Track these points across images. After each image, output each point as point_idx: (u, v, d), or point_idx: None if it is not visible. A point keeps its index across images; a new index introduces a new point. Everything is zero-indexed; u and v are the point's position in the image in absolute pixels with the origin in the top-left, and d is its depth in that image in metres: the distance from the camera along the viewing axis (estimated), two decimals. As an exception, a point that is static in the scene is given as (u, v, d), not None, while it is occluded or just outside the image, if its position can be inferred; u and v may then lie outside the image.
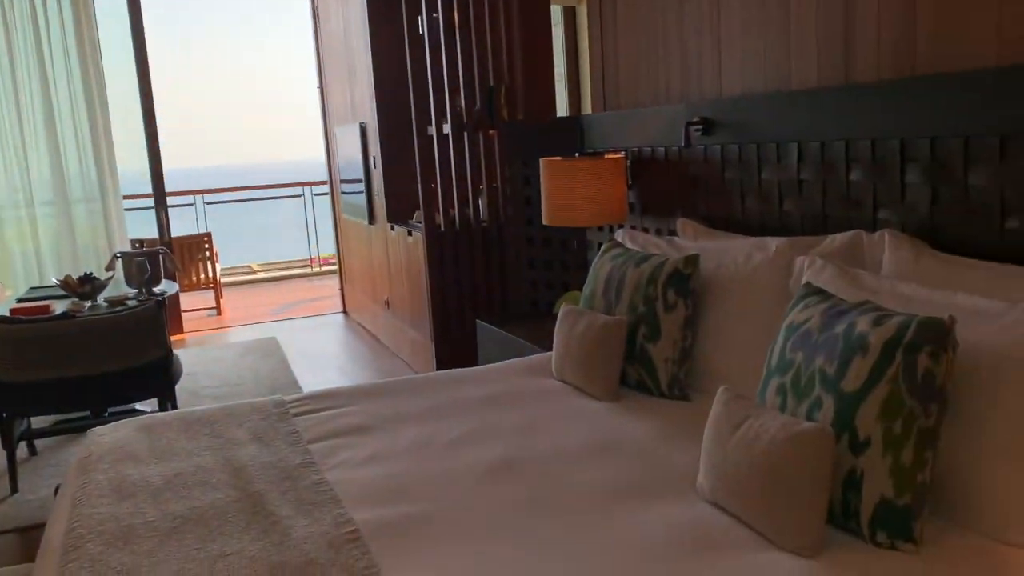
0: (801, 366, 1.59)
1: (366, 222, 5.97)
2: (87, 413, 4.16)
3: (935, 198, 2.04)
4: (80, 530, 1.61)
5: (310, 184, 9.68)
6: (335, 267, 9.80)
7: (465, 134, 4.66)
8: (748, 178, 2.67)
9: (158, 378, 3.78)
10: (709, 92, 2.96)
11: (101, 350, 3.55)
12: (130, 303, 4.41)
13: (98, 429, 2.26)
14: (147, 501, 1.76)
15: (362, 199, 6.02)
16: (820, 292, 1.74)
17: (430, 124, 4.65)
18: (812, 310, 1.67)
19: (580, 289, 3.82)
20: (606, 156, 3.28)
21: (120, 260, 4.63)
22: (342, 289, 7.31)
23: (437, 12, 4.58)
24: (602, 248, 2.68)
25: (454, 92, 4.61)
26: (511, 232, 3.99)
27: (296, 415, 2.30)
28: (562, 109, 5.89)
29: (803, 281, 1.98)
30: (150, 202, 7.56)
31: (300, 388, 4.97)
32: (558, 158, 3.30)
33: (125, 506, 1.73)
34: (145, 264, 4.49)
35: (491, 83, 4.67)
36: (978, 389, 1.46)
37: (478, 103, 4.65)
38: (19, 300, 4.76)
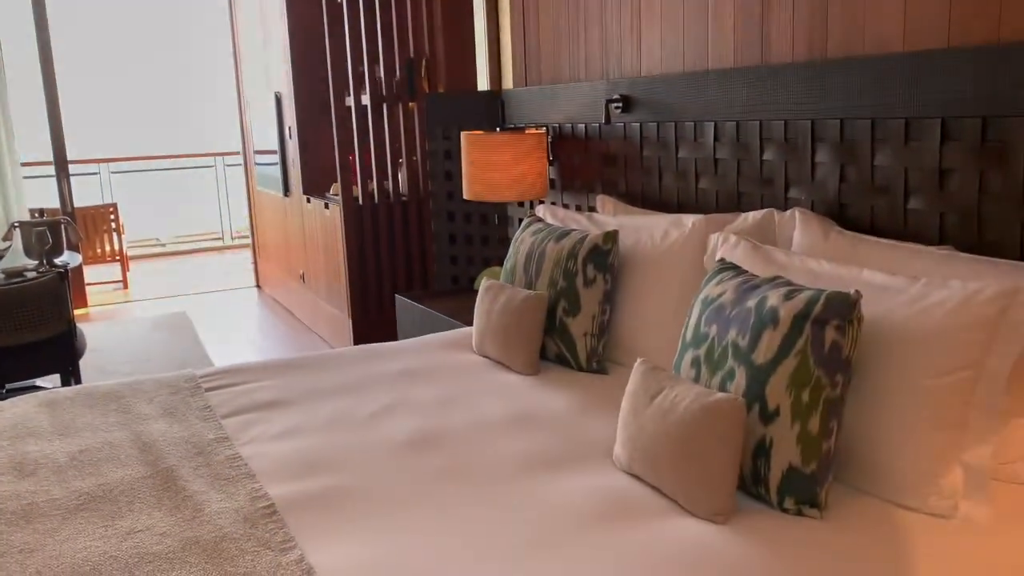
0: (715, 339, 1.63)
1: (281, 194, 5.83)
2: (-18, 389, 3.96)
3: (843, 178, 2.12)
4: (-23, 509, 1.54)
5: (222, 155, 9.39)
6: (248, 240, 9.56)
7: (384, 106, 4.59)
8: (666, 156, 2.71)
9: (60, 353, 3.62)
10: (629, 70, 2.99)
11: (9, 320, 3.38)
12: (29, 274, 4.21)
13: (-4, 405, 2.15)
14: (50, 478, 1.68)
15: (277, 171, 5.88)
16: (733, 268, 1.79)
17: (348, 95, 4.56)
18: (725, 285, 1.71)
19: (501, 264, 3.83)
20: (527, 131, 3.28)
21: (18, 230, 4.40)
22: (255, 263, 7.14)
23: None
24: (522, 223, 2.69)
25: (373, 63, 4.53)
26: (431, 206, 3.96)
27: (209, 390, 2.24)
28: (483, 84, 5.86)
29: (717, 257, 2.03)
30: (50, 170, 7.23)
31: (212, 364, 4.84)
32: (479, 132, 3.28)
33: (26, 484, 1.66)
34: (46, 234, 4.28)
35: (411, 55, 4.61)
36: (881, 360, 1.53)
37: (398, 74, 4.58)
38: (-94, 271, 4.48)
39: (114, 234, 7.21)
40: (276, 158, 5.85)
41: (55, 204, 7.26)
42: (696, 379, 1.65)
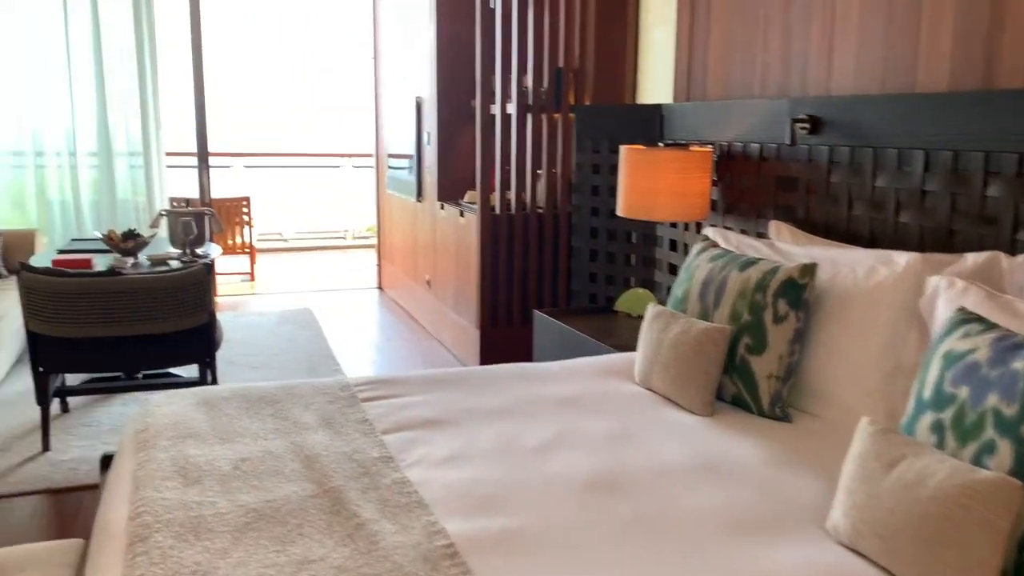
0: (966, 403, 1.40)
1: (413, 199, 5.80)
2: (119, 373, 4.03)
3: (1094, 222, 1.85)
4: (146, 517, 1.46)
5: (350, 156, 9.53)
6: (369, 241, 9.67)
7: (529, 116, 4.47)
8: (859, 184, 2.47)
9: (200, 343, 3.63)
10: (815, 88, 2.76)
11: (145, 311, 3.41)
12: (172, 263, 4.28)
13: (153, 398, 2.11)
14: (216, 488, 1.60)
15: (410, 175, 5.85)
16: (981, 320, 1.55)
17: (493, 103, 4.46)
18: (975, 340, 1.48)
19: (644, 286, 3.64)
20: (692, 148, 3.08)
21: (165, 218, 4.48)
22: (379, 264, 7.16)
23: (506, -13, 4.38)
24: (697, 247, 2.49)
25: (521, 72, 4.42)
26: (574, 221, 3.81)
27: (365, 401, 2.14)
28: (635, 96, 5.68)
29: (942, 304, 1.79)
30: (191, 160, 7.45)
31: (337, 362, 4.83)
32: (640, 147, 3.11)
33: (192, 492, 1.58)
34: (191, 224, 4.35)
35: (560, 65, 4.48)
36: None
37: (545, 84, 4.46)
38: (60, 251, 4.63)
39: (245, 227, 7.38)
40: (409, 162, 5.82)
41: (190, 193, 7.49)
42: (939, 447, 1.42)
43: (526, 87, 4.44)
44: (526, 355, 4.36)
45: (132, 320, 3.41)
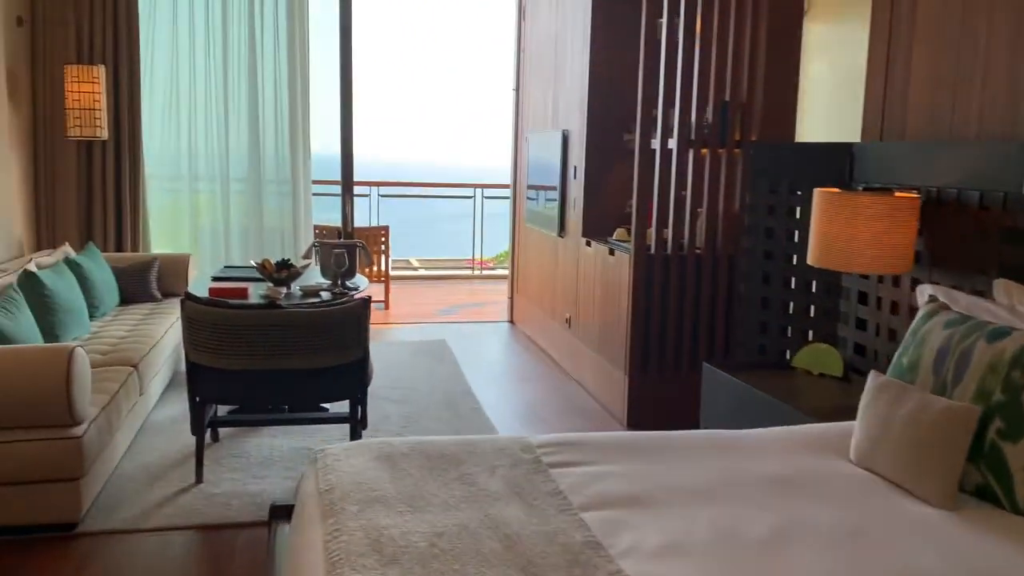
0: None
1: (554, 234, 5.65)
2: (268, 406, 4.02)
3: None
4: (349, 606, 1.31)
5: (482, 186, 9.52)
6: (499, 272, 9.62)
7: (691, 151, 4.24)
8: (1121, 242, 2.13)
9: (354, 379, 3.56)
10: (1055, 131, 2.43)
11: (305, 345, 3.35)
12: (324, 295, 4.26)
13: (331, 451, 1.99)
14: (416, 571, 1.44)
15: (551, 209, 5.71)
16: None
17: (653, 137, 4.26)
18: None
19: (824, 341, 3.33)
20: (896, 194, 2.78)
21: (318, 249, 4.48)
22: (511, 298, 7.04)
23: (679, 16, 4.19)
24: (924, 309, 2.20)
25: (685, 104, 4.20)
26: (744, 266, 3.55)
27: (552, 466, 1.96)
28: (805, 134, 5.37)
29: None
30: (331, 189, 7.59)
31: (476, 399, 4.69)
32: (836, 191, 2.83)
33: (392, 574, 1.42)
34: (344, 257, 4.32)
35: (726, 98, 4.24)
36: None
37: (709, 118, 4.23)
38: (214, 278, 4.70)
39: (383, 255, 7.42)
40: (552, 196, 5.68)
41: (331, 221, 7.61)
42: None
43: (690, 121, 4.22)
44: (681, 407, 4.14)
45: (291, 354, 3.36)
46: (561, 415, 4.54)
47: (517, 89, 6.75)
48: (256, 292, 4.24)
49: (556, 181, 5.58)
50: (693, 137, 4.23)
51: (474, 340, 6.38)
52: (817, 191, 2.85)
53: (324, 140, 6.67)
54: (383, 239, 7.42)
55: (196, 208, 6.30)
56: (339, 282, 4.39)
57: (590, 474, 1.92)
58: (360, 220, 8.93)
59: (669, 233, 4.29)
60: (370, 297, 3.51)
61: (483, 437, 2.13)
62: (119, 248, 5.90)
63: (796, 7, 4.24)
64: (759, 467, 2.01)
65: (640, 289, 4.26)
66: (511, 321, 7.04)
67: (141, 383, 3.94)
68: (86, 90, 5.40)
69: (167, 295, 5.30)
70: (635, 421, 4.33)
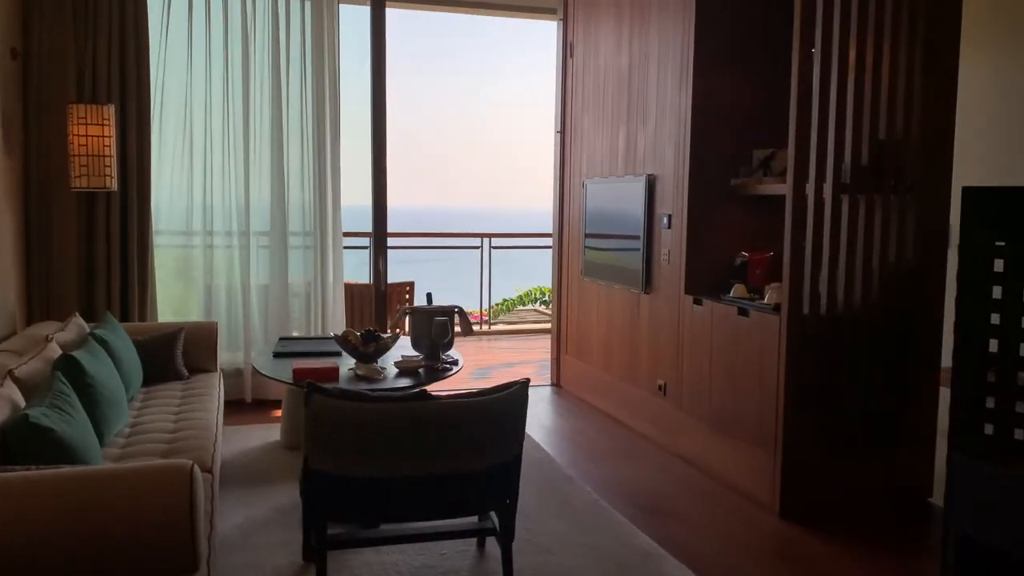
0: None
1: (637, 289, 5.05)
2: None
3: None
4: None
5: (488, 236, 8.89)
6: (515, 327, 8.96)
7: (845, 197, 3.73)
8: None
9: (508, 482, 2.86)
10: None
11: (466, 442, 2.65)
12: (422, 372, 3.55)
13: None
14: None
15: (628, 262, 5.13)
16: None
17: (804, 181, 3.72)
18: None
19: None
20: None
21: (410, 317, 3.77)
22: (557, 358, 6.38)
23: (815, 47, 3.70)
24: None
25: (838, 146, 3.69)
26: (958, 338, 3.01)
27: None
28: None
29: None
30: (355, 241, 6.88)
31: (580, 484, 3.99)
32: None
33: None
34: (447, 326, 3.63)
35: (881, 136, 3.75)
36: None
37: (865, 160, 3.73)
38: (276, 354, 3.93)
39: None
40: (630, 247, 5.11)
41: (358, 278, 6.89)
42: None
43: (845, 164, 3.71)
44: (855, 494, 3.61)
45: (441, 455, 2.65)
46: (692, 503, 3.89)
47: (562, 131, 6.19)
48: (344, 371, 3.51)
49: (637, 231, 5.00)
50: (848, 181, 3.71)
51: (532, 408, 5.69)
52: None
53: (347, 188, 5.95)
54: (408, 295, 6.69)
55: (211, 266, 5.49)
56: (433, 354, 3.69)
57: None
58: (361, 272, 8.20)
59: (823, 293, 3.73)
60: (528, 379, 2.82)
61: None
62: (124, 318, 5.05)
63: (952, 35, 3.79)
64: None
65: (796, 357, 3.68)
66: (557, 384, 6.37)
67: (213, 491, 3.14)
68: (95, 133, 4.59)
69: (194, 371, 4.48)
70: (791, 509, 3.72)
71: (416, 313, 3.70)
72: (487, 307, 9.05)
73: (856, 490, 3.86)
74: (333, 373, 3.38)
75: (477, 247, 8.87)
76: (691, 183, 4.49)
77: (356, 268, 7.51)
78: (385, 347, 3.59)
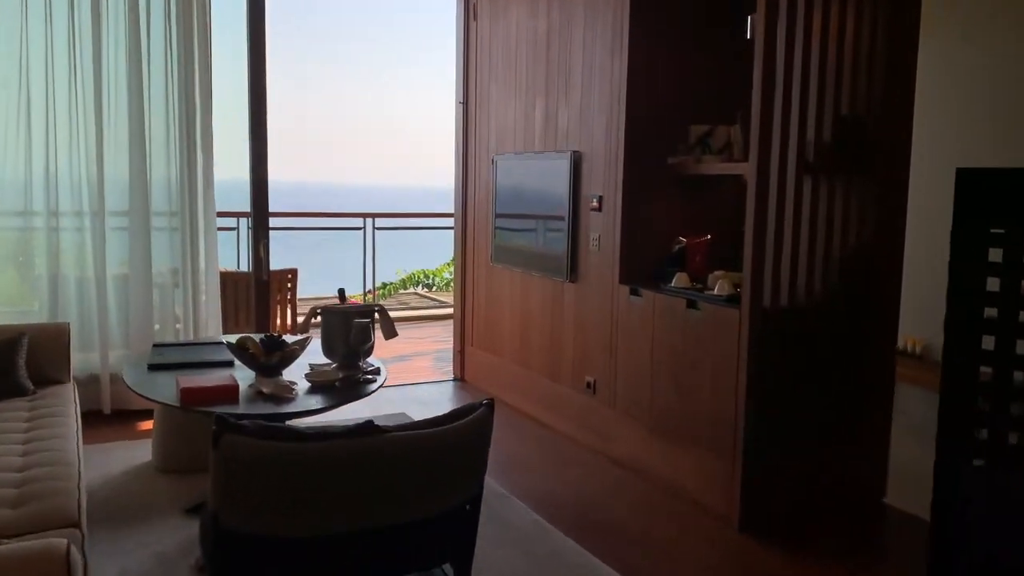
0: None
1: (559, 278, 4.60)
2: None
3: None
4: None
5: (371, 216, 8.22)
6: (393, 313, 8.34)
7: (807, 178, 3.40)
8: None
9: (466, 526, 2.34)
10: None
11: (424, 483, 2.11)
12: (338, 384, 2.95)
13: None
14: None
15: (550, 248, 4.68)
16: None
17: (769, 160, 3.36)
18: None
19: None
20: None
21: (322, 317, 3.15)
22: (461, 351, 5.86)
23: (779, 12, 3.34)
24: None
25: (802, 122, 3.36)
26: (948, 342, 2.73)
27: None
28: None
29: None
30: (225, 222, 6.09)
31: (517, 502, 3.53)
32: None
33: None
34: (369, 329, 3.04)
35: (842, 111, 3.45)
36: None
37: (826, 137, 3.41)
38: (152, 366, 3.21)
39: (288, 306, 5.96)
40: (552, 229, 4.65)
41: (230, 264, 6.12)
42: None
43: (806, 140, 3.38)
44: (820, 506, 3.35)
45: (390, 502, 2.10)
46: (643, 518, 3.49)
47: (466, 102, 5.63)
48: (243, 388, 2.87)
49: (561, 214, 4.54)
50: (811, 159, 3.39)
51: (434, 407, 5.15)
52: None
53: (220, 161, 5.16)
54: (290, 284, 5.96)
55: (56, 253, 4.60)
56: (359, 362, 3.10)
57: None
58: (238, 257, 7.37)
59: (784, 281, 3.41)
60: (492, 400, 2.30)
61: None
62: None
63: (913, 16, 3.53)
64: None
65: (758, 353, 3.34)
66: (461, 378, 5.86)
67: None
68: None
69: (41, 383, 3.67)
70: (752, 523, 3.39)
71: (328, 313, 3.08)
72: (370, 292, 8.39)
73: (813, 494, 3.59)
74: (231, 393, 2.72)
75: (360, 228, 8.18)
76: (627, 162, 4.07)
77: (225, 254, 6.67)
78: (292, 356, 2.96)
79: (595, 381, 4.36)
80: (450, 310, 8.48)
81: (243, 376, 3.00)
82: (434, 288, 10.14)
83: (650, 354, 3.92)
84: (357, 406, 3.21)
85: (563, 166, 4.50)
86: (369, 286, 8.39)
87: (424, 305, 9.30)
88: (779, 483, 3.47)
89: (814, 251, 3.46)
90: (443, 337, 7.35)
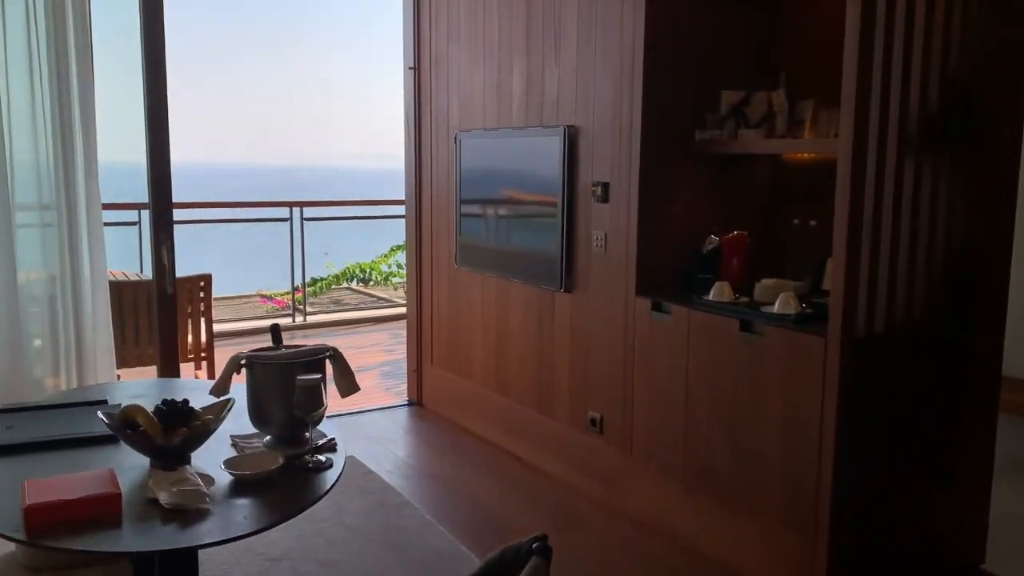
0: None
1: (551, 288, 3.67)
2: None
3: None
4: None
5: (299, 204, 7.12)
6: (326, 315, 7.28)
7: (908, 159, 2.55)
8: None
9: None
10: None
11: None
12: (272, 480, 1.96)
13: None
14: None
15: (536, 248, 3.74)
16: None
17: (866, 136, 2.48)
18: None
19: None
20: None
21: (249, 371, 2.12)
22: (418, 369, 4.88)
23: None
24: None
25: (904, 90, 2.50)
26: None
27: None
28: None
29: None
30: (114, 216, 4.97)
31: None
32: None
33: None
34: (319, 390, 2.04)
35: (949, 75, 2.60)
36: None
37: (932, 108, 2.56)
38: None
39: (201, 319, 4.85)
40: (540, 225, 3.72)
41: (129, 266, 5.04)
42: None
43: (909, 113, 2.52)
44: None
45: None
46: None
47: (417, 68, 4.62)
48: (129, 489, 1.84)
49: (551, 206, 3.61)
50: (914, 136, 2.53)
51: (389, 444, 4.20)
52: None
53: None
54: (202, 295, 4.85)
55: None
56: (306, 433, 2.11)
57: None
58: (128, 257, 6.20)
59: (881, 297, 2.55)
60: (549, 546, 1.36)
61: None
62: None
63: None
64: None
65: (851, 395, 2.48)
66: (417, 402, 4.88)
67: None
68: None
69: None
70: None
71: (259, 366, 2.07)
72: (298, 289, 7.31)
73: (903, 565, 2.77)
74: (111, 502, 1.70)
75: (286, 219, 7.07)
76: (644, 140, 3.15)
77: (115, 255, 5.48)
78: (203, 434, 1.95)
79: (601, 418, 3.45)
80: (393, 310, 7.48)
81: (131, 464, 1.97)
82: (370, 283, 9.08)
83: (684, 389, 3.03)
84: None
85: (553, 145, 3.56)
86: (298, 282, 7.31)
87: (362, 304, 8.26)
88: (869, 562, 2.64)
89: (914, 254, 2.61)
90: (390, 345, 6.35)
